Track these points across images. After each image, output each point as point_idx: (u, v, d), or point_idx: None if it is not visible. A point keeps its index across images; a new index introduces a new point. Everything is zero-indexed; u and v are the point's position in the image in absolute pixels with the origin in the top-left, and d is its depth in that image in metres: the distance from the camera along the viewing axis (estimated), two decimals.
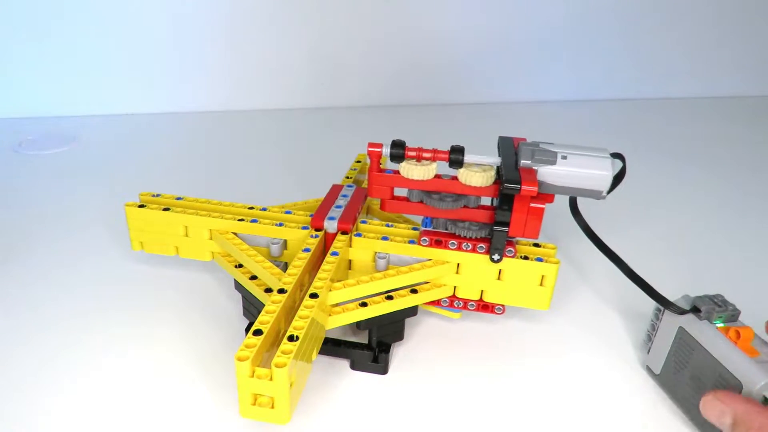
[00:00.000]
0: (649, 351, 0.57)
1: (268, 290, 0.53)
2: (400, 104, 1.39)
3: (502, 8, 1.34)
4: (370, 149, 0.55)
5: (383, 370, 0.56)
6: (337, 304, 0.53)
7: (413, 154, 0.55)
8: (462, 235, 0.57)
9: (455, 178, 0.55)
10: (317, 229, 0.59)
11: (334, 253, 0.55)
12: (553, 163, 0.53)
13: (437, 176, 0.56)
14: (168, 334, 0.59)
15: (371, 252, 0.59)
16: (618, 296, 0.70)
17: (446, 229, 0.58)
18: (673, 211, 0.93)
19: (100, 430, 0.48)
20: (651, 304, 0.59)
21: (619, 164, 0.58)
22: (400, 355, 0.58)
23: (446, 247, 0.57)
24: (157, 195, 0.66)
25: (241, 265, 0.59)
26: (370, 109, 1.35)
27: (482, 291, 0.59)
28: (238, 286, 0.59)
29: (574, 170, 0.53)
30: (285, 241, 0.61)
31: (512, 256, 0.56)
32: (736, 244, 0.83)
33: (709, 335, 0.49)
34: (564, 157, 0.53)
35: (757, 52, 1.55)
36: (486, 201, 0.58)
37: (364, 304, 0.53)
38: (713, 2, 1.46)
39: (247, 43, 1.24)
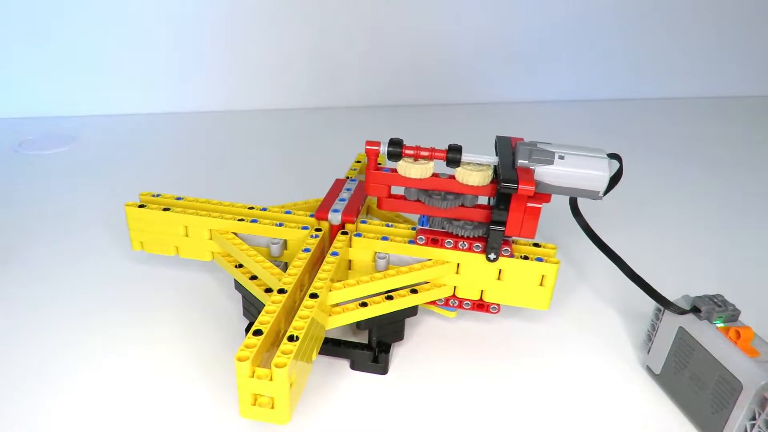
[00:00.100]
0: (649, 351, 0.57)
1: (268, 290, 0.53)
2: (400, 104, 1.39)
3: (501, 8, 1.34)
4: (367, 147, 0.55)
5: (383, 370, 0.56)
6: (337, 304, 0.53)
7: (411, 152, 0.55)
8: (458, 234, 0.57)
9: (452, 177, 0.56)
10: (321, 221, 0.60)
11: (334, 253, 0.56)
12: (551, 163, 0.53)
13: (434, 175, 0.56)
14: (168, 334, 0.59)
15: (371, 252, 0.59)
16: (618, 296, 0.70)
17: (443, 228, 0.58)
18: (673, 211, 0.93)
19: (100, 430, 0.48)
20: (651, 304, 0.59)
21: (616, 165, 0.58)
22: (400, 355, 0.58)
23: (442, 246, 0.57)
24: (157, 195, 0.66)
25: (241, 265, 0.59)
26: (370, 109, 1.35)
27: (482, 291, 0.59)
28: (238, 286, 0.59)
29: (571, 170, 0.53)
30: (285, 241, 0.61)
31: (508, 256, 0.56)
32: (736, 244, 0.83)
33: (709, 335, 0.49)
34: (561, 157, 0.53)
35: (757, 52, 1.55)
36: (483, 200, 0.58)
37: (364, 304, 0.53)
38: (713, 2, 1.46)
39: (247, 43, 1.24)
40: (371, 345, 0.56)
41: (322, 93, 1.34)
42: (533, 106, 1.43)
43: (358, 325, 0.54)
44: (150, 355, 0.57)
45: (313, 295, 0.49)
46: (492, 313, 0.60)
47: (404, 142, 0.55)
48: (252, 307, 0.58)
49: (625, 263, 0.58)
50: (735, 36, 1.51)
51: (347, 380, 0.55)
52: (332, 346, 0.56)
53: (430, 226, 0.59)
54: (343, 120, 1.27)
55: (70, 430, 0.48)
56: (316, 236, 0.58)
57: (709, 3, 1.45)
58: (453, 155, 0.54)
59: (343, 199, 0.64)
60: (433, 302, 0.59)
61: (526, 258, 0.56)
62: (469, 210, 0.57)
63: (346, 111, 1.33)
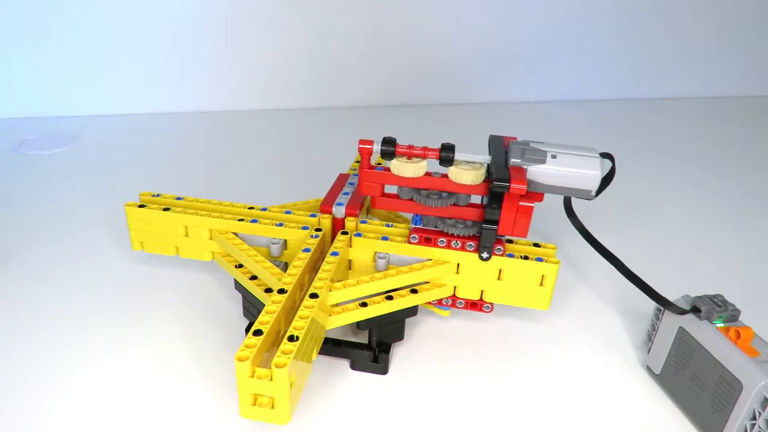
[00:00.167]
0: (649, 351, 0.57)
1: (268, 290, 0.53)
2: (400, 104, 1.39)
3: (501, 8, 1.34)
4: (361, 146, 0.55)
5: (383, 370, 0.56)
6: (337, 304, 0.53)
7: (404, 151, 0.55)
8: (451, 233, 0.57)
9: (445, 176, 0.56)
10: (325, 214, 0.61)
11: (334, 253, 0.56)
12: (543, 162, 0.53)
13: (428, 174, 0.56)
14: (168, 334, 0.59)
15: (371, 252, 0.59)
16: (618, 296, 0.70)
17: (436, 227, 0.58)
18: (673, 211, 0.93)
19: (100, 430, 0.48)
20: (651, 304, 0.59)
21: (608, 164, 0.58)
22: (400, 355, 0.58)
23: (435, 244, 0.57)
24: (157, 195, 0.66)
25: (241, 265, 0.59)
26: (370, 109, 1.35)
27: (482, 291, 0.59)
28: (238, 286, 0.59)
29: (563, 169, 0.53)
30: (285, 241, 0.61)
31: (501, 255, 0.56)
32: (736, 244, 0.83)
33: (709, 335, 0.49)
34: (554, 156, 0.54)
35: (757, 52, 1.55)
36: (476, 199, 0.58)
37: (364, 304, 0.53)
38: (713, 2, 1.46)
39: (247, 43, 1.24)
40: (371, 345, 0.56)
41: (322, 93, 1.34)
42: (533, 106, 1.43)
43: (358, 325, 0.54)
44: (150, 355, 0.57)
45: (313, 295, 0.49)
46: (485, 312, 0.60)
47: (404, 142, 0.55)
48: (252, 307, 0.58)
49: (623, 264, 0.58)
50: (735, 36, 1.51)
51: (347, 380, 0.55)
52: (332, 346, 0.56)
53: (424, 225, 0.59)
54: (343, 120, 1.27)
55: (70, 430, 0.48)
56: (316, 236, 0.58)
57: (708, 3, 1.45)
58: (446, 154, 0.55)
59: (346, 193, 0.64)
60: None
61: (526, 258, 0.56)
62: (462, 209, 0.57)
63: (346, 111, 1.33)
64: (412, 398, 0.53)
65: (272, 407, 0.43)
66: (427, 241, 0.57)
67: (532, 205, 0.53)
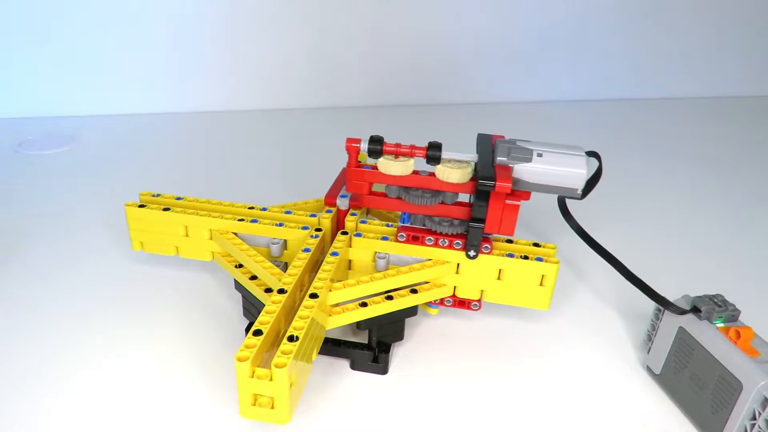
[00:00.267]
0: (649, 351, 0.57)
1: (268, 290, 0.53)
2: (400, 104, 1.39)
3: (501, 8, 1.34)
4: (348, 144, 0.56)
5: (383, 370, 0.56)
6: (337, 304, 0.53)
7: (391, 149, 0.55)
8: (439, 231, 0.57)
9: (433, 174, 0.56)
10: (330, 206, 0.62)
11: (334, 253, 0.56)
12: (529, 160, 0.53)
13: (415, 172, 0.56)
14: (168, 334, 0.59)
15: (371, 252, 0.59)
16: (617, 296, 0.70)
17: (423, 226, 0.58)
18: (673, 210, 0.93)
19: (100, 430, 0.48)
20: (651, 304, 0.59)
21: (595, 163, 0.58)
22: (400, 355, 0.58)
23: (423, 243, 0.57)
24: (157, 195, 0.66)
25: (241, 265, 0.59)
26: (370, 109, 1.35)
27: (482, 291, 0.59)
28: (238, 286, 0.59)
29: (549, 168, 0.54)
30: (285, 241, 0.61)
31: (488, 253, 0.56)
32: (736, 244, 0.83)
33: (709, 335, 0.50)
34: (540, 155, 0.54)
35: (757, 52, 1.55)
36: (464, 197, 0.59)
37: (364, 304, 0.53)
38: (712, 2, 1.46)
39: (247, 43, 1.24)
40: (371, 345, 0.56)
41: (322, 93, 1.34)
42: (533, 106, 1.43)
43: (358, 325, 0.54)
44: (150, 355, 0.57)
45: (313, 295, 0.49)
46: (473, 309, 0.60)
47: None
48: (252, 307, 0.58)
49: (621, 263, 0.58)
50: (735, 36, 1.51)
51: (347, 380, 0.55)
52: (332, 346, 0.56)
53: (411, 224, 0.59)
54: (343, 120, 1.27)
55: (70, 430, 0.48)
56: (316, 236, 0.58)
57: (708, 3, 1.45)
58: (433, 153, 0.55)
59: None
60: None
61: (526, 258, 0.56)
62: (450, 207, 0.57)
63: (346, 111, 1.33)
64: (412, 398, 0.53)
65: (272, 407, 0.43)
66: (415, 240, 0.57)
67: (518, 203, 0.54)
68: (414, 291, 0.56)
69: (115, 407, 0.51)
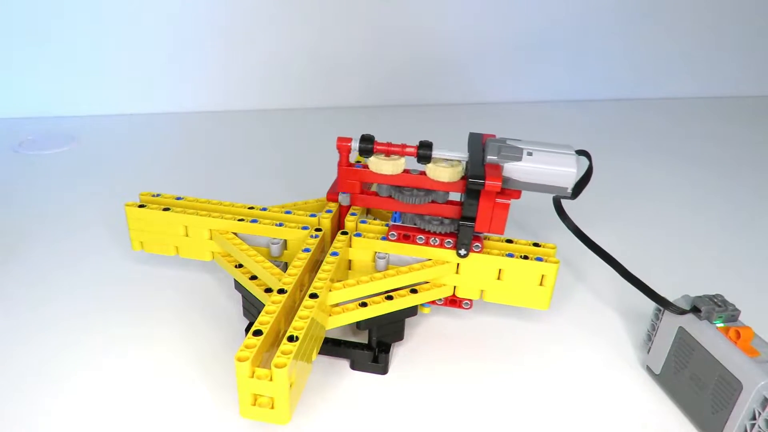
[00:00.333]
0: (649, 351, 0.57)
1: (268, 290, 0.53)
2: (400, 104, 1.39)
3: (501, 9, 1.34)
4: (339, 144, 0.56)
5: (383, 370, 0.56)
6: (337, 304, 0.53)
7: (382, 148, 0.55)
8: (430, 230, 0.57)
9: (424, 173, 0.56)
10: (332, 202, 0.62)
11: (334, 253, 0.56)
12: (519, 159, 0.54)
13: (406, 171, 0.56)
14: (168, 334, 0.59)
15: (371, 252, 0.59)
16: (617, 296, 0.70)
17: (414, 224, 0.58)
18: (673, 210, 0.93)
19: (100, 430, 0.48)
20: (651, 304, 0.59)
21: (585, 162, 0.59)
22: (400, 355, 0.58)
23: (414, 242, 0.57)
24: (157, 195, 0.66)
25: (241, 265, 0.59)
26: (370, 109, 1.35)
27: (482, 291, 0.59)
28: (238, 286, 0.59)
29: (539, 167, 0.54)
30: (285, 241, 0.61)
31: (479, 252, 0.56)
32: (736, 244, 0.83)
33: (709, 335, 0.50)
34: (530, 154, 0.54)
35: (756, 52, 1.55)
36: (456, 197, 0.59)
37: (364, 304, 0.53)
38: (712, 2, 1.46)
39: (247, 43, 1.24)
40: (371, 345, 0.56)
41: (321, 93, 1.34)
42: (533, 106, 1.43)
43: (358, 325, 0.54)
44: (150, 355, 0.57)
45: (313, 295, 0.49)
46: (465, 308, 0.60)
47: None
48: (252, 307, 0.58)
49: (619, 263, 0.58)
50: (734, 36, 1.51)
51: (347, 380, 0.55)
52: (332, 346, 0.56)
53: (403, 223, 0.59)
54: (342, 120, 1.27)
55: (70, 430, 0.48)
56: (316, 236, 0.58)
57: (708, 3, 1.45)
58: (423, 151, 0.55)
59: None
60: None
61: (525, 258, 0.56)
62: (440, 206, 0.57)
63: (346, 111, 1.33)
64: (412, 398, 0.53)
65: (272, 407, 0.43)
66: (406, 238, 0.58)
67: (509, 202, 0.54)
68: (414, 291, 0.56)
69: (115, 407, 0.51)
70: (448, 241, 0.57)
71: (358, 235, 0.59)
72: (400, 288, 0.56)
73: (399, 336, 0.58)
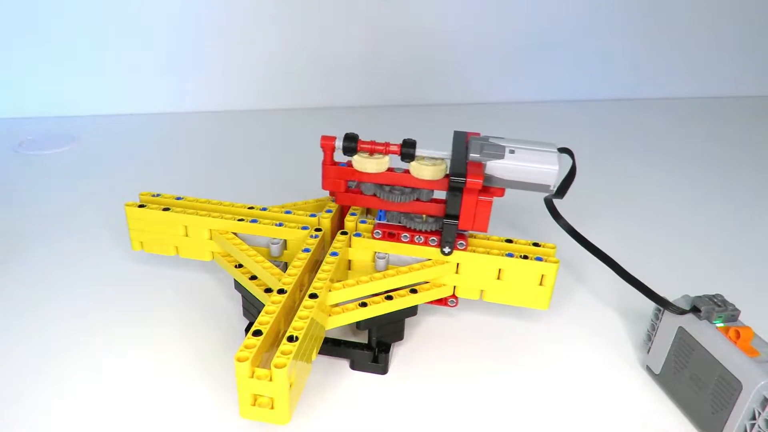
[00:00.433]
0: (649, 351, 0.57)
1: (268, 290, 0.53)
2: (400, 104, 1.39)
3: (501, 8, 1.34)
4: (323, 142, 0.56)
5: (383, 370, 0.56)
6: (336, 304, 0.53)
7: (366, 147, 0.56)
8: (415, 228, 0.57)
9: (407, 171, 0.56)
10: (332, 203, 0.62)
11: (334, 254, 0.56)
12: (501, 157, 0.54)
13: (390, 169, 0.56)
14: (168, 334, 0.59)
15: (371, 252, 0.59)
16: (617, 296, 0.70)
17: (399, 222, 0.59)
18: (673, 210, 0.93)
19: (100, 430, 0.48)
20: (651, 304, 0.59)
21: (568, 159, 0.59)
22: (400, 355, 0.58)
23: (399, 240, 0.57)
24: (157, 195, 0.66)
25: (241, 265, 0.59)
26: (370, 109, 1.35)
27: (482, 291, 0.59)
28: (238, 286, 0.59)
29: (521, 164, 0.54)
30: (285, 241, 0.61)
31: (464, 249, 0.56)
32: (736, 244, 0.83)
33: (709, 335, 0.50)
34: (512, 152, 0.54)
35: (757, 52, 1.55)
36: (441, 195, 0.59)
37: (363, 304, 0.53)
38: (712, 2, 1.46)
39: (247, 43, 1.24)
40: (371, 345, 0.56)
41: (321, 93, 1.34)
42: (533, 106, 1.43)
43: (358, 325, 0.54)
44: (150, 355, 0.57)
45: (313, 296, 0.49)
46: (450, 306, 0.60)
47: (359, 137, 0.56)
48: (252, 307, 0.58)
49: (616, 263, 0.58)
50: (734, 36, 1.51)
51: (347, 380, 0.55)
52: (332, 346, 0.56)
53: (388, 221, 0.59)
54: (343, 120, 1.27)
55: (70, 430, 0.48)
56: (316, 236, 0.58)
57: (708, 3, 1.45)
58: (407, 150, 0.55)
59: None
60: None
61: (525, 257, 0.56)
62: (424, 204, 0.57)
63: (346, 111, 1.33)
64: (412, 398, 0.53)
65: (272, 407, 0.43)
66: (391, 236, 0.58)
67: (491, 199, 0.54)
68: (414, 291, 0.56)
69: (115, 407, 0.51)
70: (433, 239, 0.57)
71: (358, 235, 0.59)
72: (399, 288, 0.56)
73: (399, 336, 0.58)
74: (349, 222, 0.60)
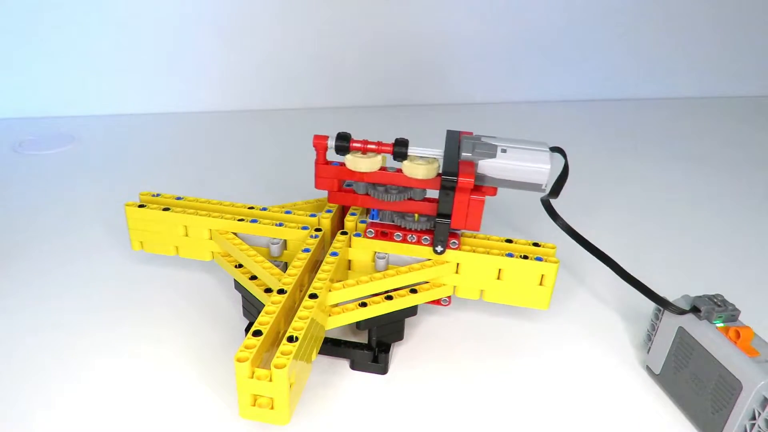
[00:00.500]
0: (649, 351, 0.57)
1: (268, 290, 0.53)
2: (400, 104, 1.39)
3: (502, 9, 1.34)
4: (315, 141, 0.56)
5: (383, 370, 0.56)
6: (336, 305, 0.53)
7: (358, 146, 0.56)
8: (407, 227, 0.57)
9: (400, 170, 0.56)
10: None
11: (334, 254, 0.56)
12: (493, 156, 0.54)
13: (383, 168, 0.57)
14: (168, 334, 0.59)
15: (371, 252, 0.59)
16: (617, 296, 0.70)
17: (392, 222, 0.59)
18: (674, 210, 0.92)
19: (100, 430, 0.48)
20: (651, 303, 0.59)
21: (560, 159, 0.59)
22: (400, 355, 0.58)
23: (391, 239, 0.57)
24: (157, 195, 0.66)
25: (241, 265, 0.59)
26: (370, 109, 1.35)
27: (482, 291, 0.59)
28: (238, 286, 0.59)
29: (513, 163, 0.54)
30: (285, 241, 0.61)
31: (456, 248, 0.56)
32: (737, 244, 0.83)
33: (709, 335, 0.49)
34: (504, 151, 0.54)
35: (757, 52, 1.55)
36: (433, 194, 0.59)
37: (363, 304, 0.53)
38: (713, 3, 1.46)
39: (247, 43, 1.24)
40: (371, 345, 0.56)
41: (322, 93, 1.34)
42: (533, 106, 1.43)
43: (358, 325, 0.54)
44: (150, 355, 0.57)
45: (313, 296, 0.49)
46: (443, 305, 0.60)
47: (351, 136, 0.56)
48: (252, 307, 0.58)
49: (615, 262, 0.58)
50: (735, 36, 1.51)
51: (347, 380, 0.55)
52: (332, 346, 0.56)
53: (381, 220, 0.59)
54: (343, 120, 1.27)
55: (69, 429, 0.48)
56: (316, 236, 0.58)
57: (709, 3, 1.45)
58: (399, 149, 0.55)
59: None
60: None
61: (525, 257, 0.56)
62: (417, 203, 0.58)
63: (346, 111, 1.33)
64: (412, 398, 0.53)
65: (272, 408, 0.43)
66: (384, 236, 0.58)
67: (483, 198, 0.54)
68: (414, 291, 0.56)
69: (114, 407, 0.51)
70: (425, 238, 0.57)
71: (358, 235, 0.59)
72: (399, 288, 0.56)
73: (399, 336, 0.58)
74: (349, 222, 0.60)
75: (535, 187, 0.55)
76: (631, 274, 0.56)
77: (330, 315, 0.52)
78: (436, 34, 1.34)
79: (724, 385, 0.47)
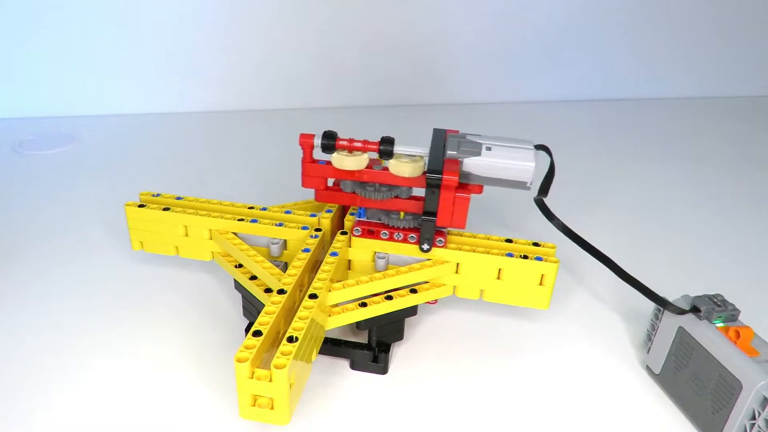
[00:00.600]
0: (649, 351, 0.57)
1: (268, 290, 0.53)
2: (400, 104, 1.39)
3: (502, 9, 1.34)
4: (301, 140, 0.56)
5: (383, 370, 0.56)
6: (336, 305, 0.53)
7: (344, 144, 0.56)
8: (394, 226, 0.58)
9: (386, 168, 0.56)
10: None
11: (334, 254, 0.56)
12: (478, 154, 0.54)
13: (369, 167, 0.57)
14: (168, 334, 0.59)
15: (371, 252, 0.59)
16: (617, 296, 0.70)
17: (379, 220, 0.59)
18: (674, 210, 0.92)
19: (100, 430, 0.48)
20: (651, 303, 0.59)
21: (545, 157, 0.59)
22: (400, 355, 0.58)
23: (378, 237, 0.57)
24: (157, 195, 0.66)
25: (241, 265, 0.59)
26: (370, 109, 1.35)
27: (482, 291, 0.59)
28: (238, 286, 0.59)
29: (497, 161, 0.54)
30: (285, 241, 0.61)
31: (443, 246, 0.56)
32: (737, 244, 0.83)
33: (708, 335, 0.50)
34: (488, 149, 0.54)
35: (757, 52, 1.55)
36: (420, 192, 0.59)
37: (363, 304, 0.53)
38: (713, 3, 1.46)
39: (248, 43, 1.24)
40: (371, 345, 0.56)
41: (322, 93, 1.34)
42: (534, 106, 1.43)
43: (358, 325, 0.54)
44: (150, 355, 0.57)
45: (313, 296, 0.49)
46: (430, 303, 0.60)
47: (337, 134, 0.56)
48: (252, 307, 0.58)
49: (613, 262, 0.58)
50: (735, 36, 1.51)
51: (347, 380, 0.55)
52: (332, 346, 0.56)
53: (368, 218, 0.59)
54: (343, 120, 1.27)
55: (69, 429, 0.48)
56: (316, 236, 0.58)
57: (708, 3, 1.45)
58: (385, 147, 0.55)
59: None
60: None
61: (525, 257, 0.56)
62: (403, 201, 0.58)
63: (346, 111, 1.33)
64: (412, 398, 0.53)
65: (272, 408, 0.43)
66: (370, 234, 0.58)
67: (468, 196, 0.54)
68: (413, 291, 0.56)
69: (114, 407, 0.51)
70: (412, 236, 0.57)
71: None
72: (399, 288, 0.56)
73: (399, 336, 0.58)
74: (349, 222, 0.60)
75: (520, 184, 0.55)
76: (631, 274, 0.56)
77: (330, 315, 0.52)
78: (435, 34, 1.34)
79: (724, 385, 0.47)
